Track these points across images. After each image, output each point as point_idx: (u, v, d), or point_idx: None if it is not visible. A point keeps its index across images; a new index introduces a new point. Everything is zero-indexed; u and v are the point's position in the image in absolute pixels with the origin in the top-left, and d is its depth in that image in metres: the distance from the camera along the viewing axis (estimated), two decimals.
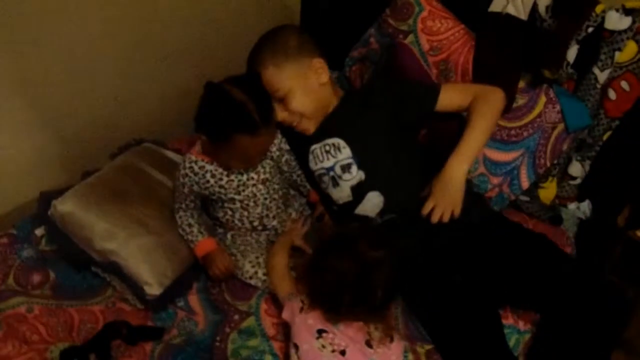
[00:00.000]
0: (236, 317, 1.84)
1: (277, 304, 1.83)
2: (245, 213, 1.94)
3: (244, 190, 1.89)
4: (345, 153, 1.94)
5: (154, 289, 1.83)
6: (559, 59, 2.08)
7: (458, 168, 1.85)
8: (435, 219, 1.83)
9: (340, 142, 1.95)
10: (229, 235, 1.99)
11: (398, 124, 1.97)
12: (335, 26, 2.63)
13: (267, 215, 1.97)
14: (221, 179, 1.86)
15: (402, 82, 2.10)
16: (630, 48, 2.03)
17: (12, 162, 2.09)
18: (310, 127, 2.02)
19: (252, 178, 1.89)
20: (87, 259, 1.90)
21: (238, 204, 1.91)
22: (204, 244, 1.91)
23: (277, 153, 1.96)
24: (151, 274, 1.84)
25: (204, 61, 2.50)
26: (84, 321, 1.80)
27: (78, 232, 1.89)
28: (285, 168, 2.04)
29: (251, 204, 1.92)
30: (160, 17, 2.29)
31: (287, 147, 2.01)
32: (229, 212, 1.94)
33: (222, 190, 1.88)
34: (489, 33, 2.21)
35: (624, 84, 2.08)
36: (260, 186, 1.91)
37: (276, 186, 1.97)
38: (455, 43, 2.24)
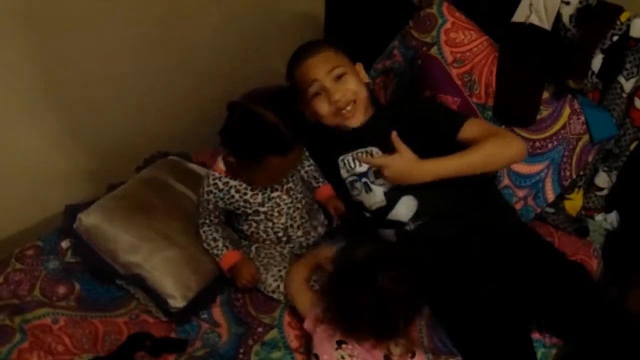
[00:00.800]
0: (259, 329, 1.84)
1: (301, 316, 1.82)
2: (270, 224, 1.94)
3: (268, 202, 1.89)
4: None
5: (178, 302, 1.83)
6: (583, 69, 2.06)
7: (427, 176, 1.82)
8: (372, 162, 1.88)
9: (374, 149, 1.95)
10: (253, 248, 1.99)
11: (427, 138, 1.94)
12: (359, 39, 2.63)
13: (291, 226, 1.97)
14: (245, 194, 1.87)
15: (429, 106, 2.11)
16: None
17: (42, 172, 2.13)
18: (357, 117, 2.00)
19: (276, 189, 1.89)
20: (112, 272, 1.91)
21: (262, 216, 1.91)
22: (229, 257, 1.91)
23: (299, 166, 1.97)
24: (175, 287, 1.84)
25: (229, 75, 2.52)
26: (108, 332, 1.80)
27: (103, 245, 1.90)
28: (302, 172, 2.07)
29: (275, 214, 1.92)
30: (188, 32, 2.32)
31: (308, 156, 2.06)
32: (254, 225, 1.95)
33: (247, 205, 1.88)
34: (512, 44, 2.20)
35: None
36: (285, 196, 1.91)
37: (299, 195, 1.97)
38: (478, 55, 2.23)
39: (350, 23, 2.72)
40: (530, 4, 2.15)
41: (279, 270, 1.91)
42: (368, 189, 1.95)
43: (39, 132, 2.07)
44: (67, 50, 2.00)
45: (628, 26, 2.00)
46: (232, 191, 1.86)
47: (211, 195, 1.86)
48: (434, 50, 2.27)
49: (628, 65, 2.02)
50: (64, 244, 2.01)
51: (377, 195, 1.93)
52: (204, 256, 1.94)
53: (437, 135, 1.91)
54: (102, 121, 2.20)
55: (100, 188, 2.12)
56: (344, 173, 2.00)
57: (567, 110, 2.12)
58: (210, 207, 1.89)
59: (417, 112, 2.00)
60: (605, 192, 2.24)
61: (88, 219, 1.92)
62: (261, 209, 1.90)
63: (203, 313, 1.89)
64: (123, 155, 2.25)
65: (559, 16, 2.10)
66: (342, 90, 1.94)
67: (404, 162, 1.80)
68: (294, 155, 1.73)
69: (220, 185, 1.85)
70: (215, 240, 1.92)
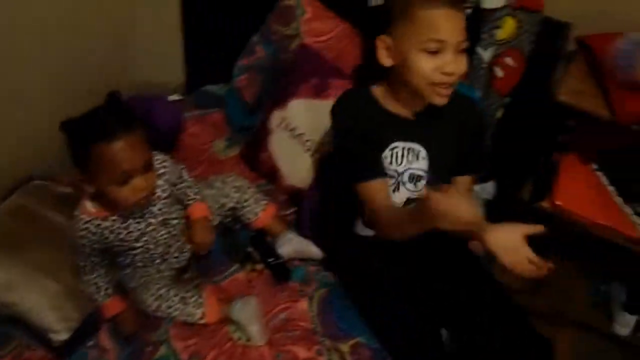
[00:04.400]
0: (148, 348, 1.79)
1: (187, 326, 1.81)
2: (147, 255, 1.85)
3: (143, 237, 1.80)
4: (422, 164, 1.80)
5: (61, 335, 1.77)
6: None
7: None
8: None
9: (422, 152, 1.79)
10: (129, 270, 1.90)
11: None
12: (220, 38, 2.60)
13: (167, 252, 1.89)
14: (120, 233, 1.76)
15: (479, 129, 1.99)
16: (509, 24, 2.07)
17: None
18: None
19: (151, 223, 1.80)
20: None
21: (139, 250, 1.83)
22: (111, 306, 1.84)
23: (169, 189, 1.85)
24: (56, 321, 1.77)
25: (94, 91, 2.40)
26: None
27: None
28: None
29: (152, 246, 1.84)
30: (31, 48, 2.20)
31: (186, 177, 1.94)
32: (130, 257, 1.85)
33: (123, 243, 1.78)
34: (373, 28, 2.20)
35: (508, 60, 2.11)
36: (160, 228, 1.83)
37: (175, 221, 1.89)
38: (342, 42, 2.24)
39: (210, 20, 2.68)
40: None
41: (158, 289, 1.85)
42: (396, 189, 1.82)
43: None
44: None
45: None
46: (106, 232, 1.74)
47: (85, 240, 1.75)
48: (297, 42, 2.26)
49: (484, 36, 2.07)
50: None
51: (400, 198, 1.83)
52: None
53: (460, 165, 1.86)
54: None
55: None
56: (386, 162, 1.78)
57: None
58: (87, 250, 1.78)
59: (466, 131, 1.84)
60: None
61: None
62: (137, 244, 1.81)
63: (90, 340, 1.82)
64: None
65: None
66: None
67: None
68: (128, 146, 1.58)
69: (93, 229, 1.72)
70: (96, 285, 1.82)
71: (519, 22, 2.08)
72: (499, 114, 2.19)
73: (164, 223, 1.83)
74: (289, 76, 2.27)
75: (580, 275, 2.52)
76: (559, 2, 2.09)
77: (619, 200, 2.12)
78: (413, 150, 1.78)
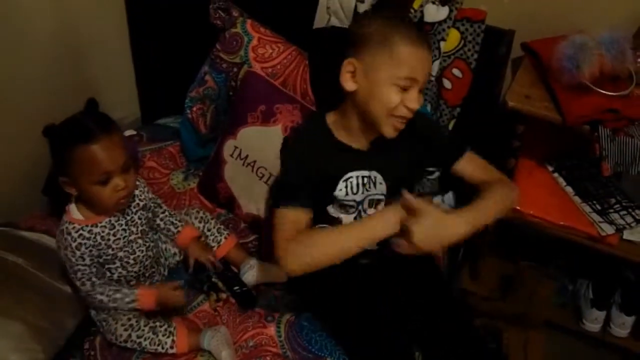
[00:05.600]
0: None
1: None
2: (124, 272, 1.88)
3: (126, 246, 1.85)
4: (380, 189, 1.81)
5: None
6: None
7: (462, 226, 1.59)
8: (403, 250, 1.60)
9: (378, 177, 1.79)
10: (92, 304, 1.89)
11: (417, 167, 1.91)
12: (171, 68, 2.60)
13: (143, 274, 1.93)
14: (109, 239, 1.81)
15: (436, 128, 2.02)
16: (453, 36, 2.10)
17: None
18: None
19: (133, 232, 1.86)
20: None
21: (118, 263, 1.85)
22: (145, 295, 1.86)
23: (146, 201, 1.94)
24: None
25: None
26: None
27: None
28: (153, 217, 2.02)
29: (131, 261, 1.87)
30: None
31: (151, 195, 1.99)
32: (107, 274, 1.87)
33: (109, 250, 1.82)
34: (319, 49, 2.22)
35: (455, 72, 2.14)
36: (140, 240, 1.88)
37: (152, 243, 1.95)
38: (289, 66, 2.25)
39: (158, 52, 2.70)
40: (328, 7, 2.19)
41: (129, 319, 1.84)
42: (358, 216, 1.83)
43: None
44: None
45: (422, 12, 2.08)
46: (98, 238, 1.79)
47: (83, 248, 1.76)
48: (245, 69, 2.26)
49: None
50: None
51: None
52: (48, 324, 1.83)
53: (432, 160, 1.89)
54: None
55: None
56: (340, 193, 1.77)
57: None
58: (87, 261, 1.79)
59: (421, 134, 1.84)
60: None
61: None
62: (119, 254, 1.84)
63: None
64: None
65: (356, 12, 2.13)
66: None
67: (433, 221, 1.55)
68: (105, 147, 1.66)
69: (86, 234, 1.77)
70: (116, 291, 1.83)
71: (463, 33, 2.10)
72: (451, 125, 2.21)
73: (143, 234, 1.90)
74: (237, 104, 2.28)
75: (546, 277, 2.54)
76: (500, 10, 2.12)
77: (576, 199, 2.15)
78: (369, 177, 1.78)
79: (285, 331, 1.89)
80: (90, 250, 1.78)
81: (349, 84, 1.66)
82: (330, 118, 1.80)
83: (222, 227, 2.15)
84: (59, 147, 1.69)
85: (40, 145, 1.72)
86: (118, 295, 1.83)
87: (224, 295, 1.99)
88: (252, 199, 2.21)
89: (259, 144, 2.16)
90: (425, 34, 1.84)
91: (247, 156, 2.19)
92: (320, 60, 2.20)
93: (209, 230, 2.12)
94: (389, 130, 1.66)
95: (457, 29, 2.09)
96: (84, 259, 1.78)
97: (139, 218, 1.90)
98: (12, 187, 2.33)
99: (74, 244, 1.76)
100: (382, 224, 1.60)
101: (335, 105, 1.79)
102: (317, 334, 1.88)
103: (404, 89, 1.60)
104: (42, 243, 2.09)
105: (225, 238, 2.11)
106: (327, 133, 1.78)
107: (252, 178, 2.17)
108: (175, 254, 2.10)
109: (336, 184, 1.75)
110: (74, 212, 1.78)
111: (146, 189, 1.96)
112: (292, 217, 1.67)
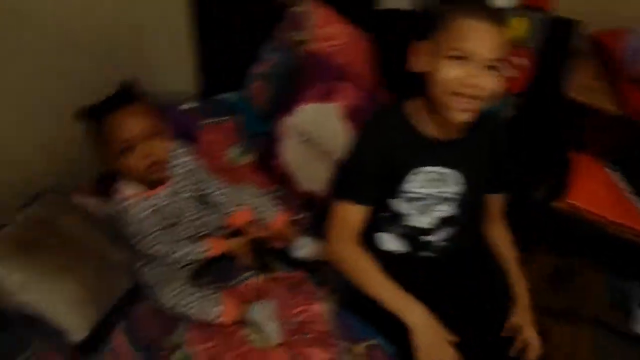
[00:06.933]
0: (165, 352, 1.78)
1: (203, 330, 1.80)
2: (190, 232, 1.93)
3: (180, 215, 1.89)
4: (452, 188, 1.76)
5: (78, 335, 1.77)
6: None
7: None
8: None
9: (452, 175, 1.75)
10: (146, 268, 1.93)
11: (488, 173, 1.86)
12: (234, 45, 2.62)
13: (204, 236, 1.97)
14: (164, 210, 1.85)
15: (508, 152, 1.91)
16: (520, 24, 2.09)
17: None
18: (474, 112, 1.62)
19: (182, 198, 1.90)
20: (5, 316, 1.81)
21: (180, 227, 1.90)
22: (216, 243, 1.93)
23: (191, 169, 1.94)
24: (73, 320, 1.77)
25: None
26: None
27: None
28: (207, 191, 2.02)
29: (187, 220, 1.93)
30: (47, 61, 2.21)
31: (195, 166, 1.98)
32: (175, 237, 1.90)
33: (168, 221, 1.87)
34: (381, 29, 2.23)
35: (520, 60, 2.12)
36: (190, 204, 1.93)
37: (204, 211, 1.98)
38: (351, 46, 2.25)
39: (223, 29, 2.70)
40: None
41: (178, 286, 1.86)
42: (424, 211, 1.80)
43: None
44: None
45: None
46: (155, 206, 1.82)
47: (150, 219, 1.81)
48: (306, 48, 2.28)
49: None
50: None
51: (429, 218, 1.81)
52: (99, 286, 1.88)
53: (488, 181, 1.86)
54: None
55: None
56: (409, 185, 1.75)
57: None
58: (156, 228, 1.82)
59: (497, 149, 1.83)
60: None
61: None
62: (176, 222, 1.89)
63: (106, 344, 1.82)
64: (3, 195, 2.15)
65: None
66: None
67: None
68: (123, 116, 1.69)
69: (146, 206, 1.80)
70: (189, 245, 1.88)
71: (530, 21, 2.08)
72: (511, 113, 2.19)
73: (194, 200, 1.95)
74: (298, 82, 2.29)
75: (598, 274, 2.51)
76: (568, 0, 2.09)
77: (632, 197, 2.11)
78: (442, 174, 1.74)
79: (333, 309, 1.89)
80: (156, 217, 1.82)
81: (416, 66, 1.63)
82: (409, 107, 1.73)
83: (275, 202, 2.14)
84: (89, 126, 1.73)
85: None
86: (190, 249, 1.87)
87: (275, 270, 2.01)
88: (309, 176, 2.23)
89: (318, 121, 2.17)
90: (498, 11, 1.70)
91: (304, 133, 2.21)
92: (382, 40, 2.20)
93: (262, 205, 2.09)
94: (454, 113, 1.58)
95: (525, 17, 2.06)
96: (153, 227, 1.81)
97: (184, 186, 1.91)
98: (72, 153, 2.38)
99: (139, 216, 1.79)
100: (408, 314, 1.64)
101: (415, 93, 1.72)
102: None
103: (460, 63, 1.53)
104: (96, 210, 2.14)
105: (278, 214, 2.11)
106: (404, 122, 1.72)
107: (309, 155, 2.19)
108: (223, 227, 2.09)
109: (407, 176, 1.73)
110: (127, 188, 1.80)
111: (190, 158, 1.95)
112: (350, 215, 1.71)
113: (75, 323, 1.77)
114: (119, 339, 1.84)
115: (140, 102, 1.74)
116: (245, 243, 1.97)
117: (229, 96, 2.71)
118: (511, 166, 1.90)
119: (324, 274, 2.03)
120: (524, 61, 2.10)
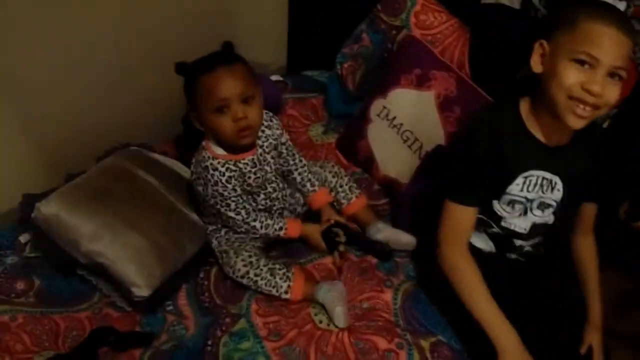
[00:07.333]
0: (227, 319, 1.78)
1: (268, 303, 1.80)
2: (269, 202, 1.96)
3: (263, 184, 1.91)
4: (555, 195, 1.72)
5: (142, 291, 1.78)
6: None
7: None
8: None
9: (558, 183, 1.71)
10: (222, 232, 1.94)
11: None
12: (325, 23, 2.60)
13: (282, 209, 2.01)
14: (249, 176, 1.86)
15: (607, 164, 1.83)
16: None
17: None
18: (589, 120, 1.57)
19: (267, 171, 1.90)
20: (73, 263, 1.84)
21: (262, 195, 1.93)
22: (293, 225, 1.96)
23: (278, 142, 1.95)
24: (139, 275, 1.78)
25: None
26: (69, 328, 1.74)
27: (63, 235, 1.83)
28: (289, 168, 2.03)
29: (272, 196, 1.95)
30: (140, 21, 2.26)
31: (284, 139, 1.98)
32: (254, 204, 1.94)
33: (250, 188, 1.89)
34: (483, 25, 2.17)
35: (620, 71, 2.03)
36: (274, 179, 1.94)
37: (285, 184, 2.01)
38: (449, 37, 2.21)
39: (316, 7, 2.69)
40: None
41: (249, 256, 1.86)
42: (524, 213, 1.76)
43: None
44: (25, 34, 1.94)
45: None
46: (240, 171, 1.83)
47: (233, 180, 1.81)
48: (403, 33, 2.24)
49: None
50: (23, 238, 1.94)
51: (527, 222, 1.78)
52: (168, 244, 1.88)
53: (587, 190, 1.80)
54: (60, 110, 2.13)
55: (58, 179, 2.04)
56: (514, 188, 1.70)
57: None
58: (239, 191, 1.84)
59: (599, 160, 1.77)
60: None
61: (47, 208, 1.85)
62: (258, 190, 1.91)
63: (168, 304, 1.84)
64: (82, 145, 2.18)
65: None
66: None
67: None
68: (223, 76, 1.70)
69: (232, 167, 1.80)
70: (268, 218, 1.92)
71: (636, 31, 1.99)
72: (605, 124, 2.11)
73: (277, 172, 1.96)
74: (392, 65, 2.24)
75: None
76: None
77: None
78: (549, 180, 1.70)
79: (401, 300, 1.86)
80: (239, 182, 1.82)
81: (537, 67, 1.58)
82: (524, 105, 1.68)
83: (354, 185, 2.12)
84: (187, 81, 1.75)
85: (176, 79, 1.77)
86: (270, 222, 1.89)
87: (347, 253, 1.97)
88: (392, 162, 2.19)
89: (409, 107, 2.13)
90: (625, 16, 1.67)
91: (394, 118, 2.17)
92: (482, 36, 2.15)
93: (341, 186, 2.09)
94: (571, 118, 1.52)
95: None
96: (235, 191, 1.82)
97: (272, 157, 1.91)
98: (154, 111, 2.40)
99: (223, 178, 1.79)
100: (503, 339, 1.63)
101: (530, 92, 1.67)
102: (433, 309, 1.85)
103: (584, 67, 1.47)
104: (173, 169, 2.15)
105: (357, 197, 2.09)
106: (516, 121, 1.67)
107: (396, 140, 2.15)
108: (300, 205, 2.11)
109: (514, 178, 1.69)
110: (216, 148, 1.81)
111: (279, 131, 1.95)
112: (462, 217, 1.70)
113: (140, 280, 1.78)
114: (182, 301, 1.85)
115: (241, 64, 1.75)
116: (319, 231, 1.95)
117: (317, 73, 2.71)
118: (608, 177, 1.83)
119: (397, 262, 1.99)
120: (625, 74, 2.01)
